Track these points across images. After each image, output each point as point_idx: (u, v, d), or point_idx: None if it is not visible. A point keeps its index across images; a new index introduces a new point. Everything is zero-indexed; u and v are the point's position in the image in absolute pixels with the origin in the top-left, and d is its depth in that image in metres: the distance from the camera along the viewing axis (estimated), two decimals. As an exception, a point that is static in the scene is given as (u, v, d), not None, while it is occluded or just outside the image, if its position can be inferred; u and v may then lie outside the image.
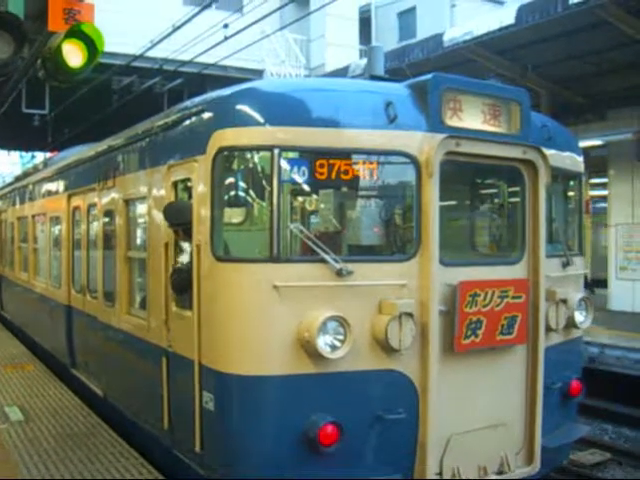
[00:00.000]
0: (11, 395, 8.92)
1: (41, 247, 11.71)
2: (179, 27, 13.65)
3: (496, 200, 6.58)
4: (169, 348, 5.88)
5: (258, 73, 22.61)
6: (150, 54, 16.10)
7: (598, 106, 16.69)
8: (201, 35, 14.99)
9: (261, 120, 4.85)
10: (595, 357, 12.36)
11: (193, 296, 5.24)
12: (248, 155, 5.08)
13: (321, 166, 4.91)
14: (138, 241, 7.01)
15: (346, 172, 5.00)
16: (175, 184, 5.79)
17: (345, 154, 4.97)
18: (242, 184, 5.19)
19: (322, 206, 5.63)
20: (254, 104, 4.96)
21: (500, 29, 13.50)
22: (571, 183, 6.74)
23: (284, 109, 4.92)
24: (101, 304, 7.96)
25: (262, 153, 4.92)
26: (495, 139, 5.38)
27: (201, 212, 5.14)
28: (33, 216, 12.34)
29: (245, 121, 4.89)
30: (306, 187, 5.27)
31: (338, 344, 4.76)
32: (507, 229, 6.27)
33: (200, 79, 19.96)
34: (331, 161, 4.91)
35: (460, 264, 5.45)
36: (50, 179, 11.22)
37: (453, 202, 6.45)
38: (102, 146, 8.34)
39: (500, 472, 5.45)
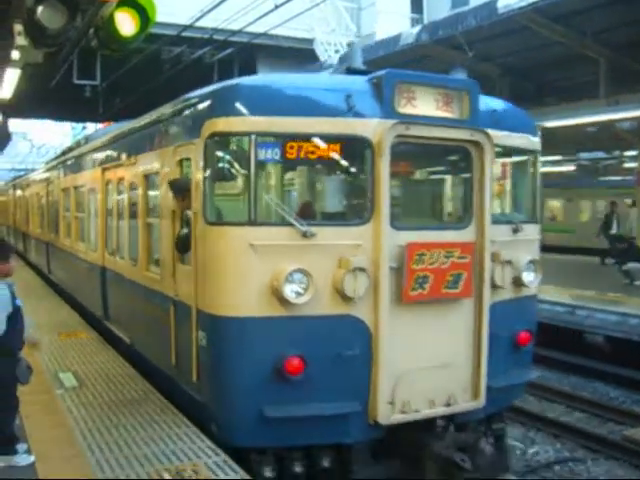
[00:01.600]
0: (65, 362, 9.08)
1: (81, 216, 12.83)
2: (229, -4, 13.57)
3: (449, 174, 7.59)
4: (175, 297, 7.02)
5: (308, 42, 22.43)
6: (200, 24, 16.06)
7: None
8: (251, 4, 14.90)
9: (242, 111, 5.94)
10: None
11: (191, 254, 6.42)
12: (232, 139, 6.17)
13: (291, 147, 5.94)
14: (153, 210, 8.07)
15: (312, 152, 6.03)
16: (180, 162, 6.84)
17: (311, 138, 5.97)
18: (227, 163, 6.25)
19: (293, 180, 7.06)
20: (237, 97, 6.06)
21: (557, -6, 13.14)
22: (525, 159, 7.54)
23: (261, 102, 6.01)
24: (127, 263, 9.13)
25: (243, 138, 5.97)
26: (446, 123, 6.32)
27: (197, 185, 6.24)
28: (75, 187, 13.43)
29: (230, 112, 6.00)
30: (279, 164, 6.50)
31: (302, 292, 5.81)
32: (458, 200, 7.17)
33: (250, 49, 19.89)
34: (299, 144, 5.93)
35: (411, 228, 6.37)
36: (88, 155, 12.41)
37: (412, 176, 7.63)
38: (127, 127, 9.75)
39: (447, 405, 6.40)
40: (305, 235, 5.84)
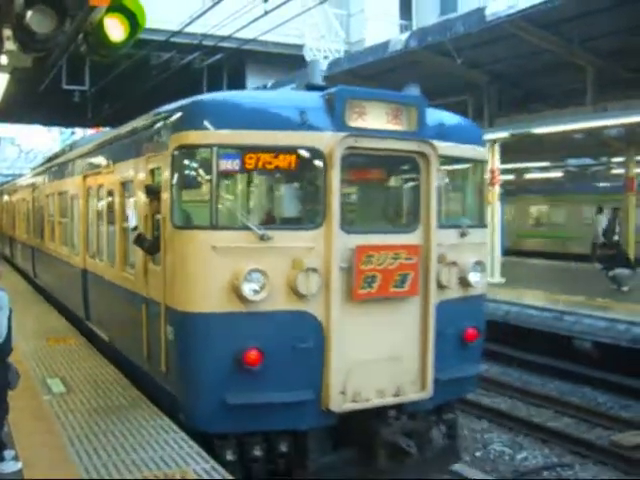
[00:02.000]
0: (53, 367, 9.04)
1: (64, 221, 13.33)
2: (219, 1, 13.57)
3: (399, 182, 8.10)
4: (147, 295, 7.51)
5: (297, 48, 22.48)
6: (189, 29, 16.08)
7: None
8: (241, 10, 14.92)
9: (206, 125, 6.40)
10: (638, 337, 12.18)
11: (160, 255, 6.94)
12: (196, 151, 6.66)
13: (250, 158, 6.40)
14: (129, 215, 8.25)
15: (270, 163, 6.47)
16: (152, 171, 7.40)
17: (268, 149, 6.42)
18: (192, 172, 6.82)
19: (253, 188, 7.55)
20: (201, 113, 6.57)
21: (545, 1, 13.17)
22: (472, 168, 8.03)
23: (223, 116, 6.49)
24: (106, 265, 9.65)
25: (206, 149, 6.44)
26: (394, 136, 6.83)
27: (165, 193, 6.78)
28: (59, 193, 13.89)
29: (195, 126, 6.47)
30: (239, 174, 6.95)
31: (259, 290, 6.25)
32: (407, 206, 7.65)
33: (240, 54, 19.92)
34: (258, 155, 6.39)
35: (361, 232, 6.86)
36: (71, 162, 12.90)
37: (365, 183, 8.20)
38: (106, 137, 10.37)
39: (396, 395, 6.87)
40: (262, 238, 6.31)
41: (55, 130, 56.73)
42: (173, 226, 6.63)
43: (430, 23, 19.35)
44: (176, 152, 6.60)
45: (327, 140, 6.50)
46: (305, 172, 6.93)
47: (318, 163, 6.56)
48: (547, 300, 14.98)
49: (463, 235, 7.42)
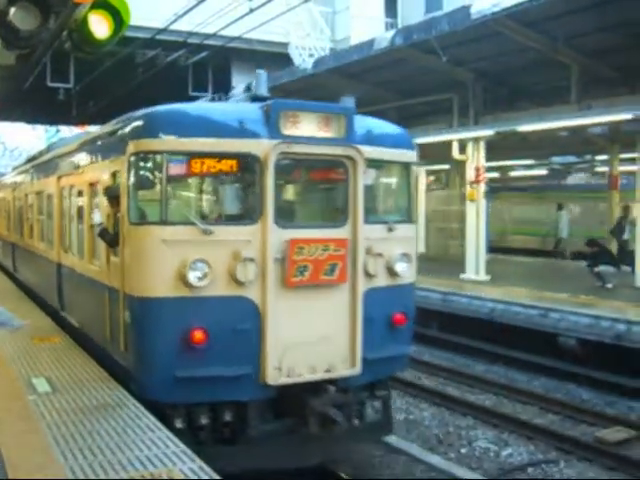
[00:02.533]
0: (38, 367, 8.97)
1: (41, 218, 14.09)
2: (204, -1, 13.54)
3: (330, 183, 8.68)
4: (109, 284, 8.29)
5: (283, 46, 22.46)
6: (175, 27, 16.03)
7: (629, 79, 16.38)
8: (226, 8, 14.89)
9: (157, 134, 7.21)
10: (622, 334, 12.26)
11: (120, 248, 7.74)
12: (149, 156, 7.44)
13: (195, 163, 7.29)
14: (99, 212, 9.06)
15: (214, 167, 7.37)
16: (114, 173, 8.11)
17: (211, 155, 7.28)
18: (146, 175, 7.52)
19: (198, 188, 8.28)
20: (154, 123, 7.42)
21: (530, 0, 13.22)
22: (400, 170, 8.81)
23: (172, 126, 7.26)
24: (76, 258, 10.45)
25: (157, 155, 7.27)
26: (324, 142, 7.66)
27: (123, 193, 7.60)
28: (36, 193, 14.66)
29: (148, 134, 7.33)
30: (186, 177, 7.84)
31: (202, 277, 7.08)
32: (337, 204, 8.26)
33: (225, 52, 19.87)
34: (202, 160, 7.27)
35: (294, 227, 7.71)
36: (47, 164, 13.71)
37: (300, 184, 8.94)
38: (77, 141, 11.20)
39: (328, 371, 7.64)
40: (205, 233, 7.14)
41: (40, 128, 56.40)
42: (129, 222, 7.47)
43: (415, 21, 19.36)
44: (132, 157, 7.43)
45: (263, 147, 7.33)
46: (244, 175, 7.73)
47: (255, 167, 7.38)
48: (532, 297, 15.04)
49: (390, 230, 8.19)
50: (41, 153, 16.96)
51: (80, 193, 10.24)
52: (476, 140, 17.88)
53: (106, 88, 21.90)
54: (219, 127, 7.41)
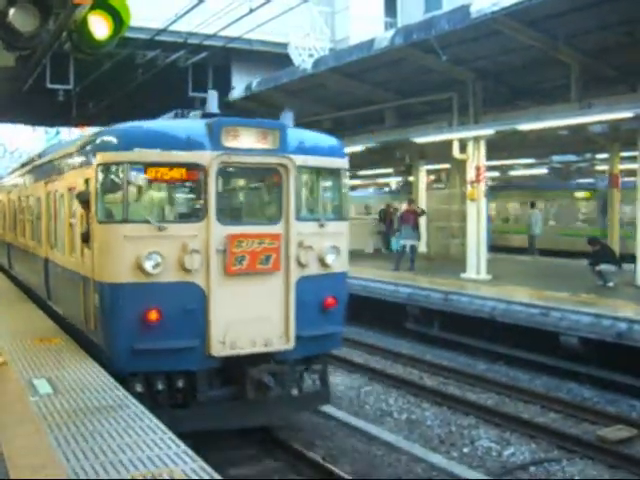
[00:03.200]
0: (39, 368, 8.97)
1: (32, 219, 15.33)
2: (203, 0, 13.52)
3: (268, 186, 10.01)
4: (84, 274, 9.57)
5: (282, 46, 22.44)
6: (174, 28, 16.02)
7: (629, 78, 16.36)
8: (226, 8, 14.88)
9: (119, 147, 8.75)
10: (624, 333, 12.24)
11: (91, 242, 9.06)
12: (113, 166, 8.81)
13: (151, 171, 8.63)
14: (74, 213, 10.46)
15: (167, 174, 8.69)
16: (86, 180, 9.37)
17: (164, 165, 8.62)
18: (110, 181, 8.92)
19: (154, 192, 9.44)
20: (116, 138, 8.99)
21: (530, -1, 13.19)
22: (332, 175, 10.11)
23: (131, 141, 8.71)
24: (60, 253, 11.60)
25: (119, 165, 8.68)
26: (261, 153, 9.09)
27: (92, 197, 8.99)
28: (27, 196, 16.06)
29: (111, 148, 8.87)
30: (143, 183, 8.94)
31: (156, 266, 8.43)
32: (273, 204, 9.60)
33: (225, 53, 19.88)
34: (157, 168, 8.61)
35: (235, 224, 9.05)
36: (36, 170, 15.12)
37: (242, 187, 10.52)
38: (59, 151, 12.55)
39: (265, 345, 8.99)
40: (159, 229, 8.49)
41: (40, 129, 56.36)
42: (97, 221, 8.86)
43: (415, 21, 19.33)
44: (99, 167, 8.83)
45: (206, 157, 8.69)
46: (192, 180, 9.02)
47: (200, 174, 8.71)
48: (533, 296, 15.03)
49: (322, 226, 9.51)
50: (33, 159, 18.45)
51: (62, 196, 11.48)
52: (476, 139, 17.87)
53: (106, 89, 21.88)
54: (171, 141, 8.74)
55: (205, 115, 9.72)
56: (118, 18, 6.97)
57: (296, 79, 20.37)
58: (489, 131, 17.50)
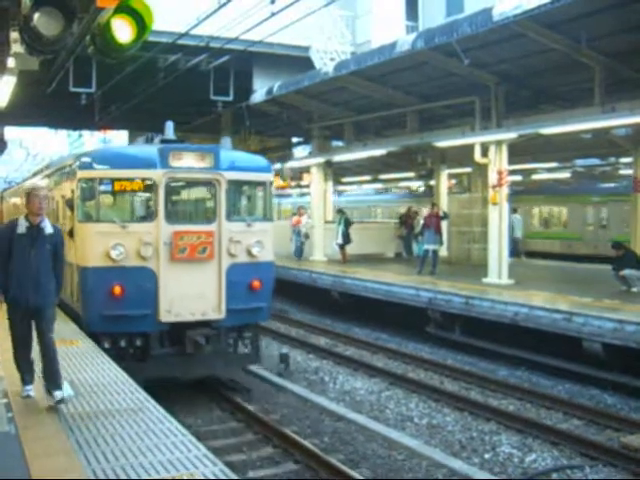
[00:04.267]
0: (61, 370, 9.00)
1: None
2: (225, 3, 13.54)
3: (207, 195, 12.79)
4: (71, 261, 11.82)
5: (304, 50, 22.43)
6: (196, 31, 16.05)
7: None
8: (248, 12, 14.87)
9: (93, 166, 11.64)
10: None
11: (74, 237, 11.95)
12: (88, 181, 11.64)
13: (117, 185, 11.60)
14: (64, 215, 13.41)
15: (129, 186, 11.75)
16: (72, 190, 12.24)
17: (127, 179, 11.59)
18: (87, 192, 11.72)
19: (119, 200, 12.40)
20: (90, 159, 11.85)
21: (552, 1, 13.04)
22: (259, 186, 12.95)
23: (102, 161, 11.77)
24: None
25: (94, 180, 11.55)
26: (200, 170, 12.01)
27: (75, 203, 11.94)
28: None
29: (87, 167, 11.69)
30: (111, 193, 12.00)
31: (120, 254, 11.19)
32: (210, 208, 12.49)
33: (246, 56, 19.85)
34: (121, 182, 11.60)
35: (179, 223, 11.93)
36: (43, 180, 17.76)
37: (187, 196, 13.67)
38: (57, 166, 15.50)
39: (202, 315, 11.75)
40: (122, 227, 11.32)
41: (62, 133, 56.81)
42: (78, 221, 11.86)
43: (436, 24, 19.22)
44: (80, 181, 11.73)
45: (157, 174, 11.56)
46: (147, 191, 11.86)
47: (153, 186, 11.60)
48: (556, 301, 14.89)
49: (249, 225, 12.26)
50: (41, 170, 21.85)
51: (58, 202, 14.32)
52: (498, 143, 17.76)
53: (128, 92, 21.99)
54: (131, 162, 11.69)
55: (163, 141, 12.67)
56: (141, 22, 6.99)
57: (317, 82, 20.35)
58: (512, 135, 17.38)
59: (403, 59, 17.16)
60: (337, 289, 20.55)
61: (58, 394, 7.33)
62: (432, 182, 29.35)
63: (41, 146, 61.29)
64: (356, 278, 20.06)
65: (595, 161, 31.78)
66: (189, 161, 11.80)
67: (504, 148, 17.74)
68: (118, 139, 46.26)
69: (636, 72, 16.28)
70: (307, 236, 25.62)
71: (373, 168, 35.83)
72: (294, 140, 35.25)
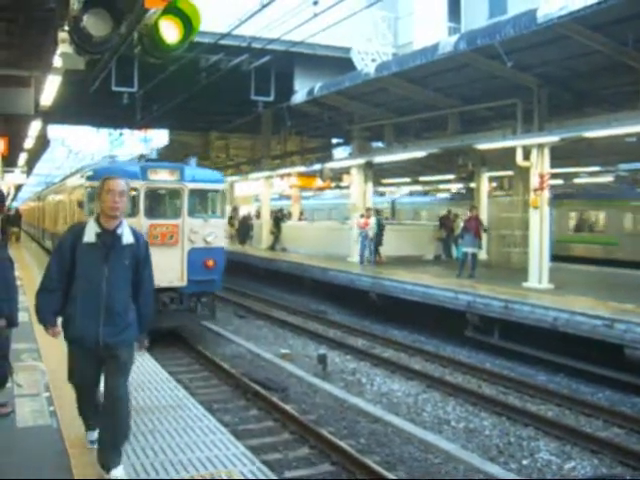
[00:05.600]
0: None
1: (61, 215, 23.55)
2: (267, 4, 13.61)
3: (177, 198, 16.18)
4: None
5: (345, 51, 22.44)
6: (238, 32, 16.16)
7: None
8: (290, 12, 14.93)
9: (94, 178, 15.02)
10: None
11: None
12: (91, 188, 14.70)
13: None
14: (75, 210, 17.66)
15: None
16: (81, 194, 15.95)
17: None
18: (91, 196, 14.61)
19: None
20: (94, 173, 15.64)
21: (598, 2, 12.86)
22: (215, 193, 16.77)
23: (100, 174, 13.71)
24: (64, 227, 18.34)
25: (94, 188, 12.97)
26: (170, 182, 15.95)
27: (84, 203, 15.65)
28: (56, 202, 26.25)
29: (91, 179, 15.30)
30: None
31: None
32: (177, 207, 16.12)
33: (287, 57, 19.92)
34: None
35: (154, 218, 15.61)
36: (62, 186, 23.02)
37: (159, 200, 16.43)
38: (75, 176, 20.11)
39: (170, 282, 15.33)
40: None
41: (104, 131, 57.51)
42: (85, 215, 14.61)
43: (479, 26, 19.07)
44: (87, 188, 15.23)
45: (140, 184, 15.25)
46: (133, 196, 14.73)
47: (136, 193, 15.05)
48: (597, 307, 14.68)
49: (206, 221, 16.04)
50: (65, 177, 28.33)
51: (71, 202, 18.87)
52: (540, 146, 17.58)
53: (169, 92, 22.23)
54: (121, 175, 14.00)
55: (148, 159, 17.81)
56: (188, 23, 7.05)
57: (358, 84, 20.35)
58: (554, 138, 17.18)
59: (445, 61, 17.08)
60: (375, 291, 20.51)
61: (117, 474, 5.47)
62: (472, 184, 29.11)
63: (83, 144, 62.03)
64: (394, 280, 19.99)
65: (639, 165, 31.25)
66: (162, 175, 15.85)
67: (546, 151, 17.55)
68: (158, 138, 46.67)
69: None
70: (372, 239, 24.30)
71: (413, 170, 35.69)
72: (334, 141, 35.29)
